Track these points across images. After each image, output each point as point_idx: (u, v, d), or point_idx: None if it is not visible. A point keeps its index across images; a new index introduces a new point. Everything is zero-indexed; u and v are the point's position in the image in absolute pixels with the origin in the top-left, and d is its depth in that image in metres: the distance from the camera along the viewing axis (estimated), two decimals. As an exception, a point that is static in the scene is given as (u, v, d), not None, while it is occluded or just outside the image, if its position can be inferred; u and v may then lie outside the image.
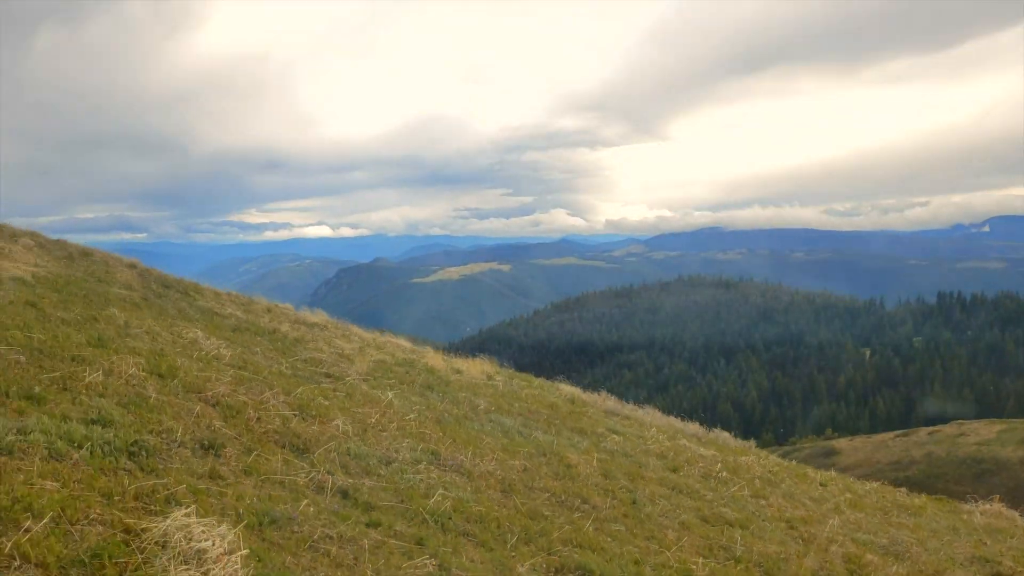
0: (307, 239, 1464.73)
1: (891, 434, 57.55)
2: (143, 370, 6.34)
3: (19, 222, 13.62)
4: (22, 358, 5.80)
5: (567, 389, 15.71)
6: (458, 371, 13.19)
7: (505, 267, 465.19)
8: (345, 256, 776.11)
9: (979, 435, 48.04)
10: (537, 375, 17.92)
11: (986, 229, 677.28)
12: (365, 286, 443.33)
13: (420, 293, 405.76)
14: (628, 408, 15.72)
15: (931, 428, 54.04)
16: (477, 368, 14.01)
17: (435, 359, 13.44)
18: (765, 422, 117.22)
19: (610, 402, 15.41)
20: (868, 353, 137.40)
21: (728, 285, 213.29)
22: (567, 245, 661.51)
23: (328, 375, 9.74)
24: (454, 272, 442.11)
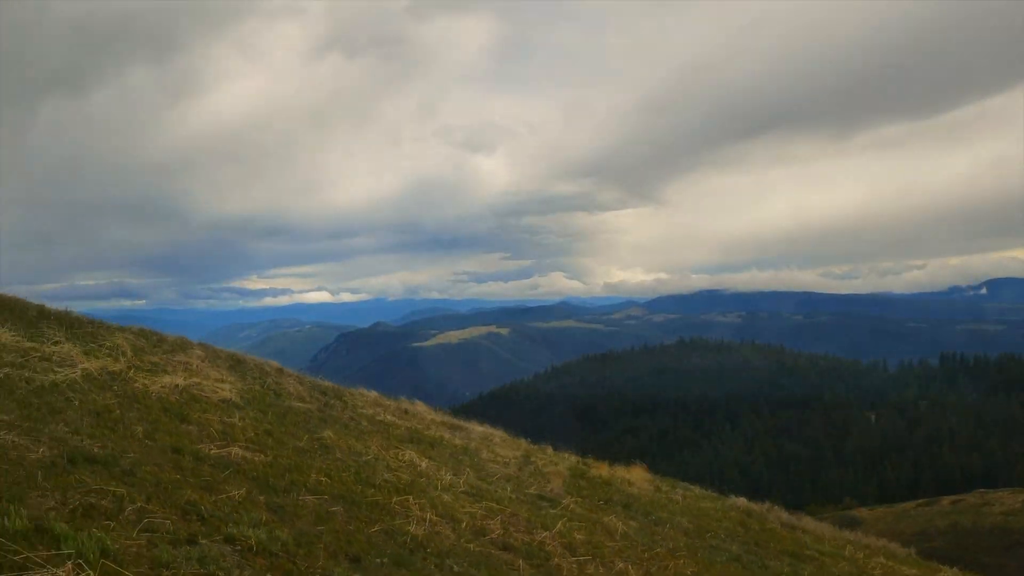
0: (307, 304, 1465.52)
1: (913, 503, 56.79)
2: (431, 513, 6.44)
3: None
4: (339, 508, 5.91)
5: (739, 501, 15.70)
6: (628, 482, 13.25)
7: (504, 331, 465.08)
8: (345, 321, 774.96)
9: (1004, 504, 47.23)
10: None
11: (984, 291, 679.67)
12: (364, 351, 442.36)
13: (420, 357, 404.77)
14: (792, 517, 15.62)
15: (954, 497, 53.35)
16: (639, 476, 14.08)
17: (600, 468, 13.49)
18: (773, 489, 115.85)
19: (783, 514, 15.39)
20: (874, 417, 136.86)
21: (730, 348, 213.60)
22: (566, 308, 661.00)
23: (541, 497, 9.85)
24: (453, 336, 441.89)
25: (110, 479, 4.96)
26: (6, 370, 6.83)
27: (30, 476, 4.66)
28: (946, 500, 51.84)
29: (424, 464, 9.07)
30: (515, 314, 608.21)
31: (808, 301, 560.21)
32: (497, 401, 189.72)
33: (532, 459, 12.99)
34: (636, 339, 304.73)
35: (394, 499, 6.57)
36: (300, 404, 10.81)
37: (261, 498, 5.69)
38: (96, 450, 5.40)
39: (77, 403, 6.64)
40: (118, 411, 6.81)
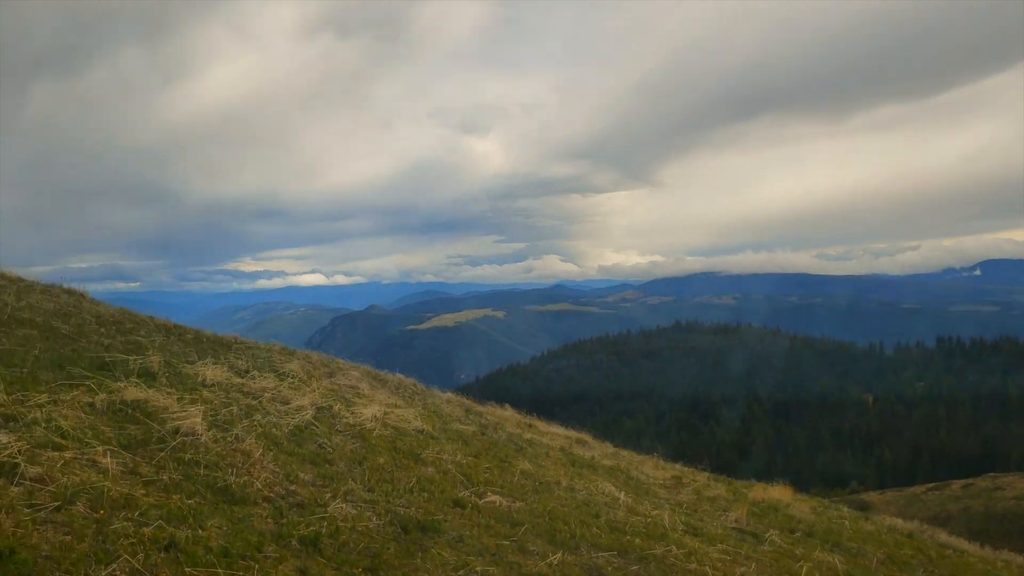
0: (301, 287, 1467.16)
1: (924, 487, 57.04)
2: (708, 567, 6.50)
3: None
4: (635, 567, 5.93)
5: (895, 523, 15.64)
6: (786, 503, 13.22)
7: (499, 314, 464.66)
8: (339, 304, 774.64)
9: (1016, 489, 47.43)
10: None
11: (977, 273, 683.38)
12: (359, 334, 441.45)
13: (414, 340, 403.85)
14: (950, 538, 15.49)
15: (964, 481, 53.61)
16: (787, 495, 14.00)
17: (754, 489, 13.56)
18: (771, 472, 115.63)
19: (941, 535, 15.29)
20: (871, 400, 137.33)
21: (726, 331, 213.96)
22: (561, 291, 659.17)
23: (742, 531, 9.82)
24: (448, 319, 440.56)
25: (453, 550, 4.96)
26: (257, 417, 6.87)
27: (402, 555, 4.72)
28: (957, 484, 52.12)
29: (622, 496, 9.06)
30: (510, 297, 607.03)
31: (802, 283, 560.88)
32: (494, 384, 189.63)
33: (684, 480, 13.06)
34: (631, 322, 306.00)
35: (659, 549, 6.70)
36: (464, 427, 10.72)
37: (570, 559, 5.70)
38: (414, 514, 5.38)
39: (331, 450, 6.66)
40: (371, 457, 6.81)
